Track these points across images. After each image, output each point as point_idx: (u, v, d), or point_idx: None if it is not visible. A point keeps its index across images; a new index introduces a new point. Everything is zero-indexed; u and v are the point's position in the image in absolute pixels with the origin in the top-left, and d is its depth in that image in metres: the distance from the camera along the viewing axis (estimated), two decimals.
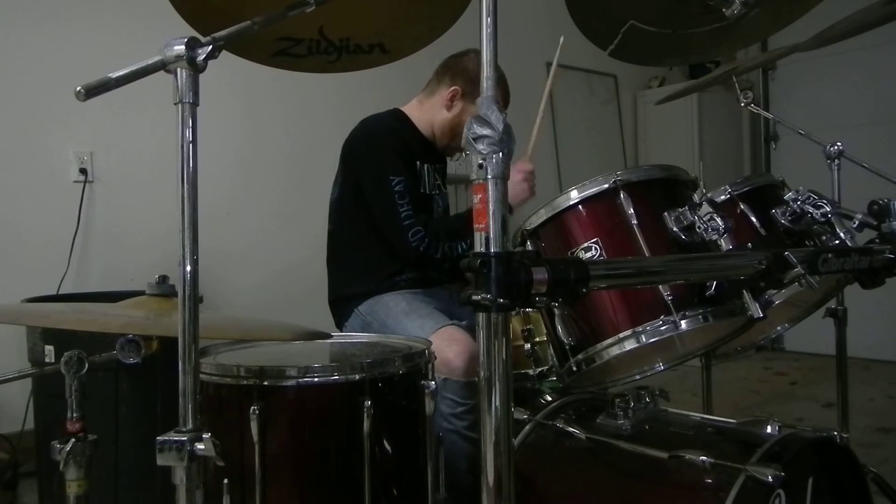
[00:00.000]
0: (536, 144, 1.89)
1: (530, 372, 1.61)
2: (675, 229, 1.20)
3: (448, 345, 1.61)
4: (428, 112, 2.02)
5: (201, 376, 0.84)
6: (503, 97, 1.97)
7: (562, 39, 1.90)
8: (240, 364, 1.17)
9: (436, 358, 1.31)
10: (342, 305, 1.94)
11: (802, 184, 1.32)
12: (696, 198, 1.24)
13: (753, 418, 1.26)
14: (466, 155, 0.72)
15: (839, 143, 1.78)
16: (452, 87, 1.97)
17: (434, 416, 1.26)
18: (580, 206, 1.26)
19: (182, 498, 0.76)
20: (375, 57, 1.22)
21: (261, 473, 1.11)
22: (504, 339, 0.70)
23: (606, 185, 1.24)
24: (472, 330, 1.71)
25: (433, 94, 2.02)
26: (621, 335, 1.19)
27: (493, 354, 0.70)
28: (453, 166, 2.39)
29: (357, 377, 1.16)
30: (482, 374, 0.70)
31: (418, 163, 1.95)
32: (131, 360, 1.14)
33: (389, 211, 1.82)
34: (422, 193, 1.95)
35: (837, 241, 1.26)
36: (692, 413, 1.41)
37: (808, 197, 1.28)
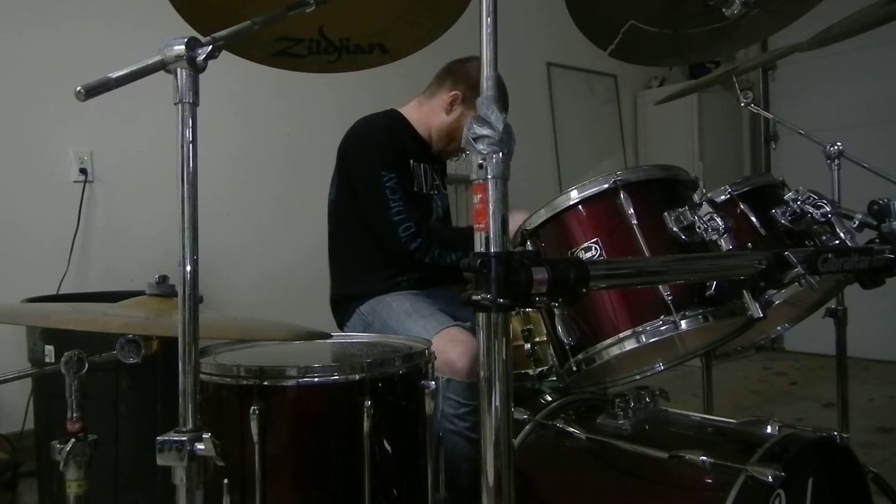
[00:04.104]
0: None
1: (530, 372, 1.61)
2: (675, 229, 1.20)
3: (451, 346, 1.61)
4: (427, 114, 2.02)
5: (201, 376, 0.84)
6: (503, 104, 1.97)
7: None
8: (240, 364, 1.17)
9: (436, 358, 1.31)
10: (343, 305, 1.94)
11: (802, 184, 1.32)
12: (696, 198, 1.24)
13: (753, 418, 1.26)
14: (466, 155, 0.72)
15: (839, 143, 1.78)
16: (453, 92, 1.97)
17: (434, 417, 1.26)
18: (580, 206, 1.26)
19: (182, 498, 0.76)
20: (375, 57, 1.22)
21: (261, 473, 1.11)
22: (504, 339, 0.70)
23: (606, 185, 1.24)
24: (475, 331, 1.71)
25: (433, 96, 2.02)
26: (621, 335, 1.19)
27: (493, 354, 0.70)
28: (453, 166, 2.39)
29: (357, 377, 1.16)
30: (482, 374, 0.70)
31: (412, 161, 1.94)
32: (131, 360, 1.14)
33: (380, 206, 1.82)
34: (417, 192, 1.94)
35: (837, 241, 1.26)
36: (692, 413, 1.41)
37: (808, 197, 1.28)
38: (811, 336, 3.71)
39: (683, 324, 1.15)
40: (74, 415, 1.09)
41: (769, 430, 1.19)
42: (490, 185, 0.70)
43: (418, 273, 1.92)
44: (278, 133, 3.09)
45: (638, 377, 1.44)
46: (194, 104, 0.78)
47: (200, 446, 0.75)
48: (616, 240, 1.23)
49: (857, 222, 1.28)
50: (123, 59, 0.80)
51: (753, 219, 1.29)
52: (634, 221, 1.20)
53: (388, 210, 1.81)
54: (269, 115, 3.07)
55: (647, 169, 1.30)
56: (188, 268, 0.77)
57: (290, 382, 1.15)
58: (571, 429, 1.33)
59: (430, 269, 1.94)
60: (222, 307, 2.76)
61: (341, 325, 1.94)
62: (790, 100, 4.50)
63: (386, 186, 1.81)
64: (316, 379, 1.16)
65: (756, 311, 1.10)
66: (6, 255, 2.44)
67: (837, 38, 1.64)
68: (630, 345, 1.18)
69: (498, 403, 0.70)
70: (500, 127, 0.70)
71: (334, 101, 3.03)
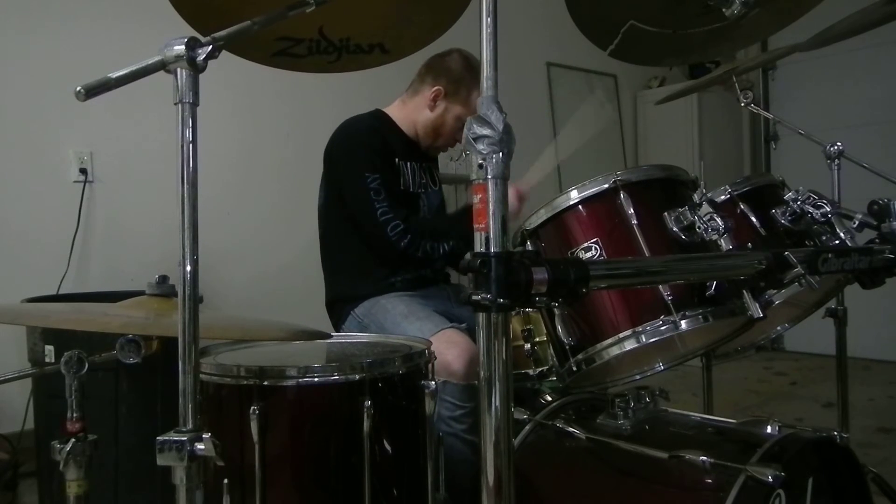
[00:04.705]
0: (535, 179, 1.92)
1: (530, 372, 1.61)
2: (675, 229, 1.20)
3: (447, 348, 1.60)
4: (411, 112, 2.01)
5: (201, 376, 0.84)
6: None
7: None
8: (240, 364, 1.17)
9: (436, 358, 1.31)
10: (338, 308, 1.94)
11: (802, 184, 1.32)
12: (696, 198, 1.24)
13: (753, 418, 1.26)
14: (466, 155, 0.72)
15: (839, 143, 1.78)
16: (435, 88, 1.96)
17: (434, 417, 1.26)
18: (580, 206, 1.26)
19: (182, 498, 0.76)
20: (375, 57, 1.22)
21: (261, 473, 1.11)
22: (504, 339, 0.70)
23: (606, 185, 1.24)
24: (471, 332, 1.71)
25: (416, 94, 2.01)
26: (621, 335, 1.19)
27: (493, 354, 0.70)
28: (453, 166, 2.39)
29: (357, 377, 1.16)
30: (482, 374, 0.70)
31: (398, 160, 1.94)
32: (131, 360, 1.14)
33: (365, 208, 1.82)
34: (404, 191, 1.94)
35: (837, 241, 1.26)
36: (692, 413, 1.41)
37: (808, 197, 1.28)
38: (811, 336, 3.73)
39: (683, 324, 1.15)
40: (74, 415, 1.09)
41: (769, 430, 1.19)
42: (490, 185, 0.70)
43: (412, 274, 1.92)
44: (278, 133, 3.09)
45: (638, 377, 1.44)
46: (194, 104, 0.78)
47: (200, 446, 0.75)
48: (616, 240, 1.23)
49: (857, 222, 1.28)
50: (123, 59, 0.80)
51: (753, 219, 1.29)
52: (634, 221, 1.20)
53: (373, 211, 1.81)
54: (269, 116, 3.07)
55: (647, 169, 1.30)
56: (188, 268, 0.77)
57: (290, 382, 1.15)
58: (571, 429, 1.33)
59: (423, 269, 1.94)
60: (222, 307, 2.76)
61: (337, 328, 1.94)
62: (790, 100, 4.50)
63: (370, 188, 1.82)
64: (316, 379, 1.16)
65: (756, 311, 1.10)
66: (6, 255, 2.44)
67: (837, 38, 1.63)
68: (630, 345, 1.18)
69: (498, 403, 0.70)
70: (500, 127, 0.70)
71: (334, 102, 3.02)
